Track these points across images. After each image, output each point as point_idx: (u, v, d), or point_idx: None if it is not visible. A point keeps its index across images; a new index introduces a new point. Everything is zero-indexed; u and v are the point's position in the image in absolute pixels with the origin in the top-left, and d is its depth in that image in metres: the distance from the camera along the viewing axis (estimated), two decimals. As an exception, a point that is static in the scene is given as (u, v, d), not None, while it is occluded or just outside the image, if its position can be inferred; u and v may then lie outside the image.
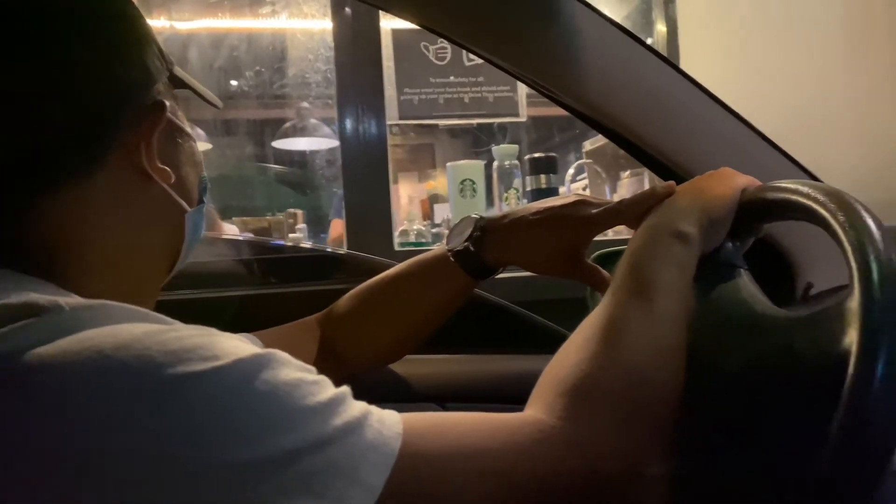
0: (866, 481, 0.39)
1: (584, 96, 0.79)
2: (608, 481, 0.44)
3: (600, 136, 2.32)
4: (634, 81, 0.78)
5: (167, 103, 0.52)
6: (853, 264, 0.43)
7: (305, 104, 3.27)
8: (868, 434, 0.39)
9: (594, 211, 0.68)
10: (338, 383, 0.41)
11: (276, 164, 3.79)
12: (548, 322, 0.97)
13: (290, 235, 2.43)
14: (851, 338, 0.42)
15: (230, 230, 2.25)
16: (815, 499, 0.40)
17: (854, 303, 0.42)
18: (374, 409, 0.41)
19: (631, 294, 0.52)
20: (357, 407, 0.40)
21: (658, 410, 0.47)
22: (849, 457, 0.39)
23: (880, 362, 0.39)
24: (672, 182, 0.64)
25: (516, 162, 1.77)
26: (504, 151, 1.75)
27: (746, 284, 0.58)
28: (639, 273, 0.54)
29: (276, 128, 3.45)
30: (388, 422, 0.40)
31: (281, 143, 3.45)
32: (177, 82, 0.56)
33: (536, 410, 0.45)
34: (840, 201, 0.48)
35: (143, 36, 0.52)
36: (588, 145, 2.32)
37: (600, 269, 0.72)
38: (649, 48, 0.77)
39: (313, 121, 3.31)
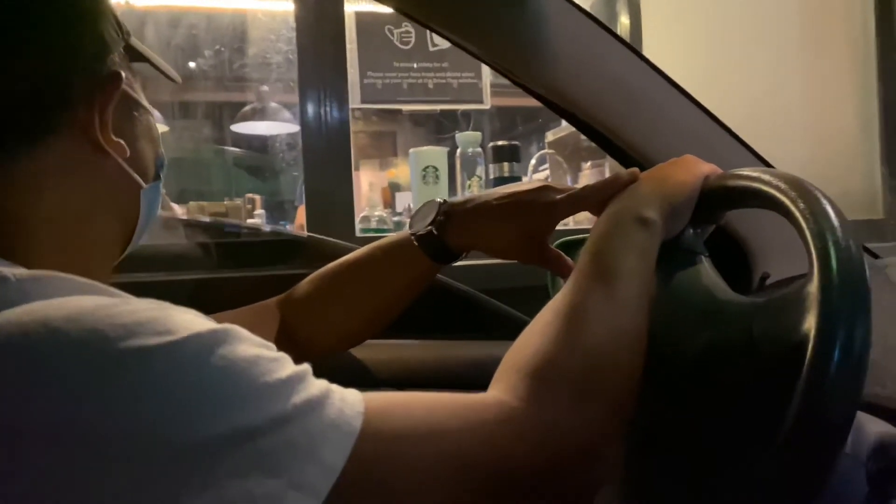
0: (822, 464, 0.40)
1: (550, 82, 0.79)
2: (568, 462, 0.44)
3: (563, 126, 2.35)
4: (601, 69, 0.78)
5: (123, 74, 0.50)
6: (813, 251, 0.44)
7: (265, 87, 3.21)
8: (824, 417, 0.40)
9: (558, 197, 0.68)
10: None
11: (234, 148, 3.72)
12: (510, 309, 0.98)
13: (248, 221, 2.39)
14: (810, 323, 0.42)
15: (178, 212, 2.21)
16: (773, 482, 0.41)
17: (813, 289, 0.43)
18: (335, 387, 0.40)
19: (593, 279, 0.53)
20: (317, 385, 0.39)
21: (618, 394, 0.48)
22: (805, 439, 0.40)
23: (837, 347, 0.40)
24: (635, 169, 0.64)
25: (479, 149, 1.77)
26: (467, 138, 1.74)
27: (707, 271, 0.59)
28: (601, 259, 0.54)
29: (234, 111, 3.39)
30: (349, 400, 0.39)
31: (240, 127, 3.39)
32: (134, 54, 0.54)
33: (499, 392, 0.45)
34: (801, 189, 0.49)
35: (98, 4, 0.50)
36: (550, 136, 2.34)
37: (563, 255, 0.72)
38: (616, 36, 0.77)
39: (273, 104, 3.26)
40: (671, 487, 0.54)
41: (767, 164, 0.83)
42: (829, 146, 2.72)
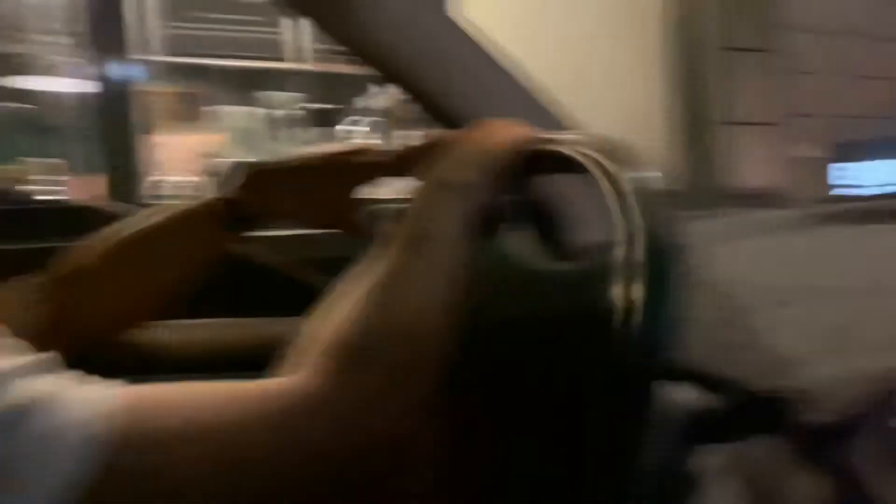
0: (631, 433, 0.40)
1: (362, 36, 0.74)
2: (375, 446, 0.40)
3: (382, 94, 2.30)
4: (417, 27, 0.74)
5: None
6: (619, 219, 0.44)
7: (45, 38, 2.82)
8: (630, 386, 0.39)
9: (369, 160, 0.64)
10: (72, 354, 0.34)
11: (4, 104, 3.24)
12: (312, 281, 0.92)
13: (19, 189, 2.09)
14: (616, 293, 0.42)
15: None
16: (584, 455, 0.40)
17: (619, 259, 0.42)
18: (77, 381, 0.33)
19: (403, 246, 0.49)
20: (51, 381, 0.32)
21: (428, 369, 0.44)
22: (613, 408, 0.39)
23: (642, 317, 0.40)
24: (452, 131, 0.61)
25: (295, 112, 1.68)
26: (281, 99, 1.64)
27: (520, 240, 0.58)
28: (413, 225, 0.51)
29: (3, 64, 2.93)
30: (97, 396, 0.32)
31: (9, 82, 2.95)
32: None
33: (295, 371, 0.40)
34: (610, 153, 0.48)
35: None
36: (368, 102, 2.28)
37: (376, 221, 0.68)
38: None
39: (54, 58, 2.87)
40: (486, 467, 0.52)
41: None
42: (624, 122, 2.94)
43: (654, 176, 0.47)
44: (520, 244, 0.57)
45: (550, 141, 0.55)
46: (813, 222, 0.80)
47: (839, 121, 3.40)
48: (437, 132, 0.61)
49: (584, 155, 0.49)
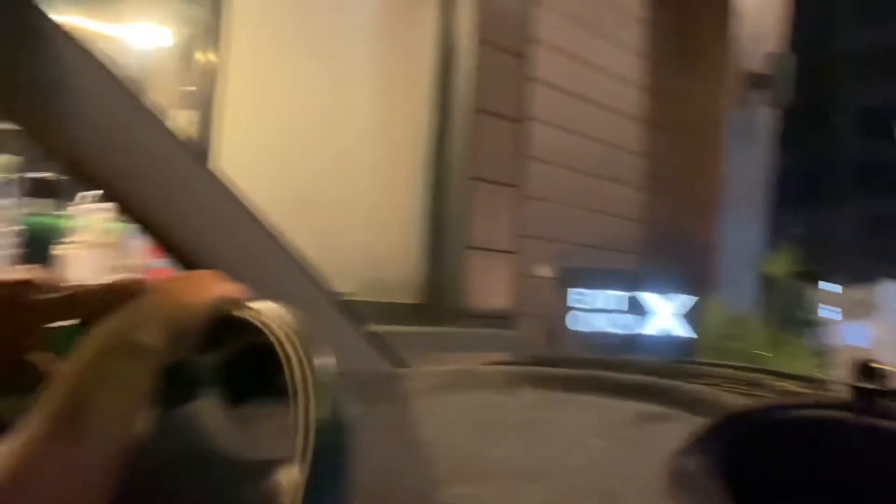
0: None
1: (73, 147, 0.67)
2: None
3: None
4: (139, 152, 0.69)
5: None
6: (299, 430, 0.42)
7: None
8: None
9: (40, 297, 0.56)
10: None
11: None
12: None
13: None
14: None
15: None
16: None
17: (292, 475, 0.41)
18: None
19: (57, 417, 0.43)
20: None
21: None
22: None
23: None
24: (142, 278, 0.56)
25: (12, 177, 1.47)
26: (-5, 162, 1.43)
27: (210, 409, 0.54)
28: (74, 389, 0.45)
29: None
30: None
31: None
32: None
33: None
34: (304, 345, 0.46)
35: None
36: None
37: (47, 368, 0.59)
38: (158, 119, 0.70)
39: None
40: None
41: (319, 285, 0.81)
42: (388, 232, 3.05)
43: (331, 362, 0.46)
44: (208, 414, 0.53)
45: (246, 308, 0.52)
46: (519, 383, 0.85)
47: (568, 248, 3.86)
48: (125, 278, 0.56)
49: (274, 331, 0.47)
